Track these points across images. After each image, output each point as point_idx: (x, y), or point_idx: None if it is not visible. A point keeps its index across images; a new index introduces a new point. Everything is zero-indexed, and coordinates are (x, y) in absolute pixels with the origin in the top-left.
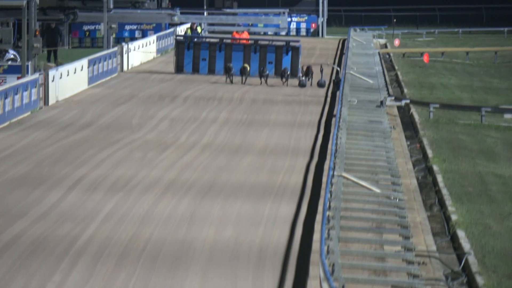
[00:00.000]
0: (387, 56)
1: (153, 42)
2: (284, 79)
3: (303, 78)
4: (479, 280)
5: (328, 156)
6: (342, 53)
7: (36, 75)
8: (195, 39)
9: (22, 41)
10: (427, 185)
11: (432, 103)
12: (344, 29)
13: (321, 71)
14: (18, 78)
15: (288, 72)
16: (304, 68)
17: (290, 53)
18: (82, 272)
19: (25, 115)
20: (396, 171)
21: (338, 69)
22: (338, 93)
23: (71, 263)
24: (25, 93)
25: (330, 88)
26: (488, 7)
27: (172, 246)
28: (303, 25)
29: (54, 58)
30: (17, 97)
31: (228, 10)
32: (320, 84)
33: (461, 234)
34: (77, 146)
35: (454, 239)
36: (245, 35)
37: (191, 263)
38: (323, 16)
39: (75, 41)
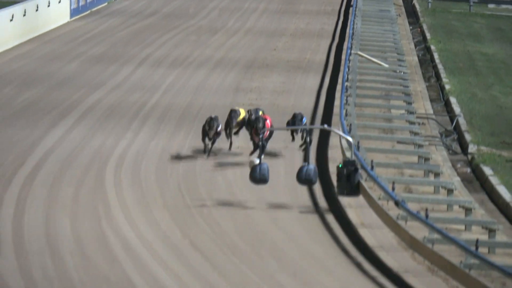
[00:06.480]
0: None
1: None
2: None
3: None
4: (467, 137)
5: (346, 38)
6: None
7: None
8: None
9: None
10: (426, 61)
11: None
12: None
13: (305, 136)
14: None
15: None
16: (260, 125)
17: None
18: (149, 132)
19: (103, 5)
20: (401, 50)
21: (352, 139)
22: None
23: (140, 123)
24: None
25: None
26: None
27: (222, 109)
28: None
29: None
30: None
31: None
32: (305, 179)
33: (453, 100)
34: (144, 31)
35: (447, 104)
36: None
37: None
38: None
39: None
